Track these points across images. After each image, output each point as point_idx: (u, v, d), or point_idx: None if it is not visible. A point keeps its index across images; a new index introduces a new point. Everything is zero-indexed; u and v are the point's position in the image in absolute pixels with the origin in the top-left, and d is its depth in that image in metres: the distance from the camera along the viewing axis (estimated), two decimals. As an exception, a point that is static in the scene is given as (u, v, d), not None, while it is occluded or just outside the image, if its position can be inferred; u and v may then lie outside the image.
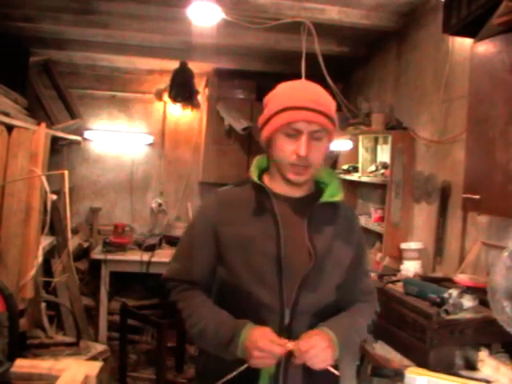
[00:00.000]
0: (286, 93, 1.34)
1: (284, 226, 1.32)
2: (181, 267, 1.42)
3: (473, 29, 2.08)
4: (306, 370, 1.29)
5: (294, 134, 1.29)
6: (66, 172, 2.86)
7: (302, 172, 1.32)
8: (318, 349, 1.22)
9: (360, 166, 3.71)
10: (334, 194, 1.39)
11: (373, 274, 2.89)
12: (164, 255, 3.99)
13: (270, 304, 1.29)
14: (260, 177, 1.42)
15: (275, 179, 1.40)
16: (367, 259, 1.56)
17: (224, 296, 1.37)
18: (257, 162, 1.44)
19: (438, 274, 2.60)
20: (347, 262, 1.39)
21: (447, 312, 1.81)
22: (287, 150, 1.30)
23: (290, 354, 1.23)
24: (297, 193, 1.39)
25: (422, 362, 1.78)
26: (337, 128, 1.37)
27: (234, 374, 1.25)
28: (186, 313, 1.34)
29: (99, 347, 2.80)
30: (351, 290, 1.43)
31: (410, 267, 2.70)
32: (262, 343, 1.19)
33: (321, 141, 1.32)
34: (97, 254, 4.16)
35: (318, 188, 1.44)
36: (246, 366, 1.23)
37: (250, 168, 1.42)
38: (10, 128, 2.56)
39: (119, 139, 4.84)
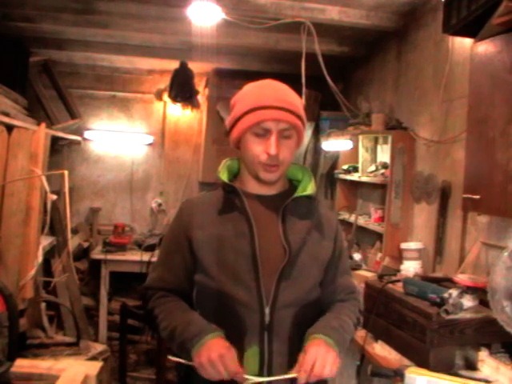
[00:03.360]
0: (253, 93, 1.35)
1: (257, 224, 1.32)
2: (157, 275, 1.41)
3: (473, 29, 2.08)
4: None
5: (264, 134, 1.30)
6: (66, 172, 2.86)
7: (273, 170, 1.33)
8: (321, 358, 1.18)
9: (360, 166, 3.72)
10: (306, 188, 1.40)
11: (373, 274, 2.91)
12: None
13: (249, 303, 1.27)
14: (232, 181, 1.41)
15: (247, 180, 1.40)
16: (347, 258, 1.56)
17: (204, 300, 1.35)
18: (225, 164, 1.44)
19: (438, 274, 2.60)
20: (325, 257, 1.39)
21: (447, 312, 1.81)
22: (257, 149, 1.31)
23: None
24: (269, 191, 1.40)
25: (422, 362, 1.78)
26: (306, 126, 1.38)
27: None
28: (160, 317, 1.32)
29: (99, 347, 2.80)
30: (333, 288, 1.42)
31: (410, 267, 2.70)
32: (220, 359, 1.13)
33: (290, 139, 1.33)
34: (97, 253, 4.17)
35: (292, 185, 1.44)
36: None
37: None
38: (10, 128, 2.57)
39: (119, 139, 4.84)
